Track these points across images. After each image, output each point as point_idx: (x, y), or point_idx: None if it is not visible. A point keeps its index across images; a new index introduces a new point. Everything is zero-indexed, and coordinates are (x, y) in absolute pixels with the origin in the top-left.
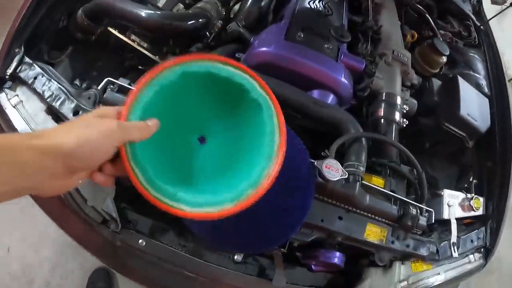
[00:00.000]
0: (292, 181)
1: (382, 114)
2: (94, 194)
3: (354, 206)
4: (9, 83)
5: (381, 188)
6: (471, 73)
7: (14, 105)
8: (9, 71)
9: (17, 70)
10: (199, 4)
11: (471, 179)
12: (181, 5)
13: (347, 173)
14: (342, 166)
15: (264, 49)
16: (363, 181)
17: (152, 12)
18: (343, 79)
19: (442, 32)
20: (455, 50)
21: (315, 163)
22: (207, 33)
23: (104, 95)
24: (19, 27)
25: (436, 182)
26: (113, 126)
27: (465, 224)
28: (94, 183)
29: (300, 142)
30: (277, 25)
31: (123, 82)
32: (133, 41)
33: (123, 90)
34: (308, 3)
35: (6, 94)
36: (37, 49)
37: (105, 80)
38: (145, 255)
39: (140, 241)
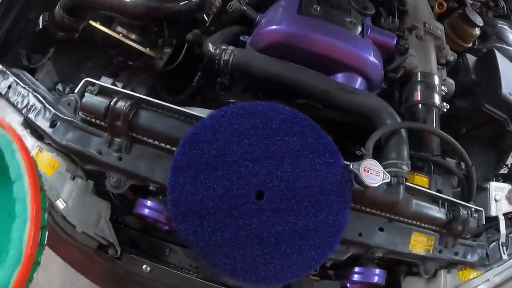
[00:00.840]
0: (315, 194)
1: (419, 98)
2: (83, 217)
3: (398, 214)
4: None
5: (426, 188)
6: (505, 46)
7: None
8: None
9: None
10: None
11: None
12: None
13: (389, 176)
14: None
15: (274, 27)
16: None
17: None
18: (372, 58)
19: (470, 1)
20: (485, 22)
21: (350, 167)
22: (205, 16)
23: (83, 100)
24: None
25: None
26: None
27: (510, 218)
28: (82, 204)
29: (326, 140)
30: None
31: (104, 82)
32: (119, 33)
33: (104, 92)
34: None
35: None
36: (14, 53)
37: (83, 81)
38: (152, 282)
39: (144, 266)
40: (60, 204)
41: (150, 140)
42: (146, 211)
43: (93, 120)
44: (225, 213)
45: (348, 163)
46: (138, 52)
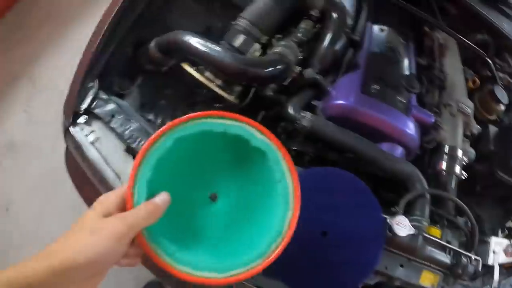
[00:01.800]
0: (362, 237)
1: (443, 168)
2: None
3: (415, 256)
4: (84, 117)
5: (438, 239)
6: None
7: (92, 141)
8: (84, 106)
9: (92, 106)
10: (277, 49)
11: None
12: (257, 45)
13: (413, 229)
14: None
15: (341, 102)
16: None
17: (229, 55)
18: (414, 134)
19: (500, 74)
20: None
21: (388, 220)
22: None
23: None
24: (91, 60)
25: (481, 220)
26: (119, 228)
27: (506, 267)
28: None
29: (372, 199)
30: (352, 75)
31: None
32: (207, 78)
33: None
34: (378, 46)
35: (82, 129)
36: (108, 81)
37: None
38: None
39: None
40: None
41: None
42: None
43: None
44: (299, 244)
45: (386, 216)
46: (221, 97)
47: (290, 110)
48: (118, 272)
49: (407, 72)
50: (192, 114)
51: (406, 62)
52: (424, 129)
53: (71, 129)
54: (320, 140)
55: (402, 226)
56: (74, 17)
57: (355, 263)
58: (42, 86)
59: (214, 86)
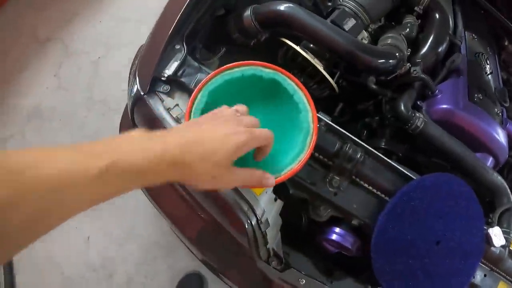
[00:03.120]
0: (467, 247)
1: None
2: (272, 234)
3: (497, 267)
4: (166, 87)
5: None
6: None
7: (176, 118)
8: (168, 72)
9: (178, 73)
10: (389, 40)
11: None
12: (365, 33)
13: (505, 241)
14: None
15: (450, 107)
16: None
17: (346, 36)
18: (506, 147)
19: None
20: None
21: (487, 231)
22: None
23: None
24: (181, 17)
25: None
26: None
27: None
28: (275, 222)
29: (479, 208)
30: (456, 80)
31: (323, 117)
32: (314, 60)
33: (331, 130)
34: (475, 56)
35: (163, 102)
36: (192, 46)
37: None
38: None
39: (300, 279)
40: (268, 223)
41: (366, 185)
42: (334, 236)
43: (315, 154)
44: (414, 252)
45: (486, 227)
46: (321, 80)
47: (402, 108)
48: (152, 261)
49: (498, 85)
50: (238, 63)
51: (496, 73)
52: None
53: (147, 98)
54: (427, 143)
55: (498, 237)
56: None
57: (458, 274)
58: (74, 52)
59: (322, 69)
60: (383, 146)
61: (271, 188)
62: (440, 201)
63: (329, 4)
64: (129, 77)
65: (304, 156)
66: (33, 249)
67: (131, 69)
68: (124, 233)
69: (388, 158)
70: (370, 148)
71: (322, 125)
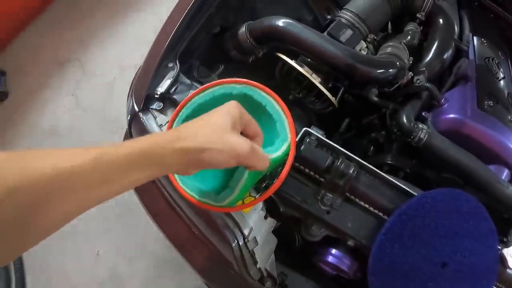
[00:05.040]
0: (478, 269)
1: None
2: (263, 253)
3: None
4: (159, 104)
5: None
6: None
7: None
8: (161, 89)
9: (170, 90)
10: (388, 49)
11: None
12: (364, 44)
13: None
14: None
15: (458, 116)
16: None
17: (341, 48)
18: None
19: None
20: None
21: (501, 251)
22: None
23: (302, 149)
24: (174, 36)
25: None
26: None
27: None
28: (266, 241)
29: (492, 227)
30: (464, 87)
31: (316, 132)
32: (308, 73)
33: (322, 145)
34: (485, 61)
35: (155, 118)
36: (188, 65)
37: (302, 131)
38: None
39: None
40: (256, 241)
41: (362, 203)
42: (330, 258)
43: (305, 170)
44: (416, 275)
45: (500, 247)
46: (319, 94)
47: (404, 120)
48: (159, 279)
49: (510, 90)
50: (208, 84)
51: (509, 78)
52: None
53: (141, 115)
54: (433, 156)
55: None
56: (127, 3)
57: None
58: (91, 72)
59: (318, 83)
60: (388, 162)
61: (261, 205)
62: (446, 219)
63: (328, 17)
64: (127, 96)
65: (284, 169)
66: (45, 259)
67: (130, 88)
68: (134, 250)
69: (394, 174)
70: (365, 163)
71: (312, 140)
